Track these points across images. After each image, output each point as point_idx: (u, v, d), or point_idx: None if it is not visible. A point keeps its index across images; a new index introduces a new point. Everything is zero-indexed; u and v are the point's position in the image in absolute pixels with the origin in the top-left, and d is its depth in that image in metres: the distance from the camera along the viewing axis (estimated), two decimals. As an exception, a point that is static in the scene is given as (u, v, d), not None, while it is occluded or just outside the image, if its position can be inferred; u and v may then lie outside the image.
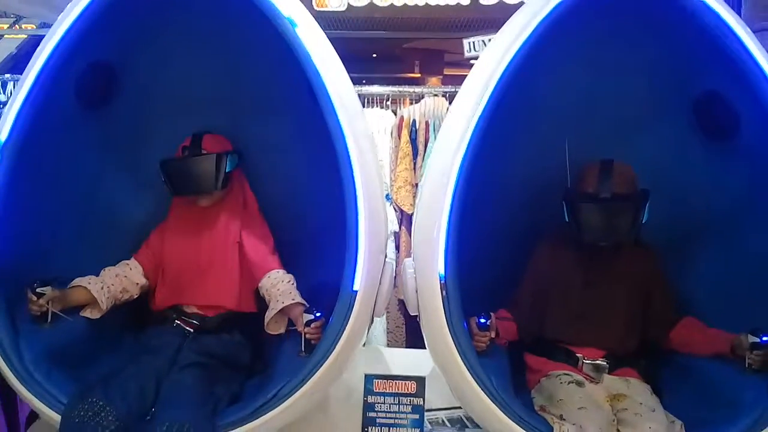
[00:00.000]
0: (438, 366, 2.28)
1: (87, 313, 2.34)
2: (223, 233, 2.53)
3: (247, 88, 2.64)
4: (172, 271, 2.52)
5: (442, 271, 2.10)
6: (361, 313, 2.13)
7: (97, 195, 2.59)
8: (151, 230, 2.59)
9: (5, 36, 5.60)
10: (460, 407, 2.47)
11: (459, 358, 2.07)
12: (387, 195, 3.72)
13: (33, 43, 4.96)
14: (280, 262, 2.53)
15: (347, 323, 2.10)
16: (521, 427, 2.03)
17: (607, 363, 2.33)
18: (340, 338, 2.09)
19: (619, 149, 2.45)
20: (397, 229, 3.77)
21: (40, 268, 2.27)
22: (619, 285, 2.41)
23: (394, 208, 3.73)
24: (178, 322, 2.45)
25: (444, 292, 2.09)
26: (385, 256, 2.35)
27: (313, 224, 2.66)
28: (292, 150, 2.68)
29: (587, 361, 2.33)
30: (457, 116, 2.20)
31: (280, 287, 2.41)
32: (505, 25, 2.26)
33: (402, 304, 3.78)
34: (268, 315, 2.37)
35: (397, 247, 3.71)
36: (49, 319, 2.21)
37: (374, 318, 3.00)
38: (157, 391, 2.15)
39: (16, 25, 5.02)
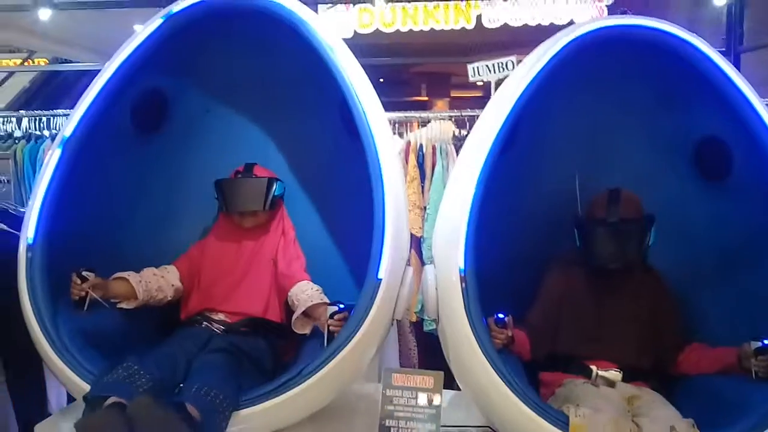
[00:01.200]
0: (455, 361, 2.33)
1: (124, 305, 2.47)
2: (260, 251, 2.70)
3: (285, 120, 2.90)
4: (207, 281, 2.66)
5: (462, 265, 2.20)
6: (384, 301, 2.23)
7: (140, 208, 2.77)
8: (189, 246, 2.75)
9: (18, 72, 5.72)
10: (473, 426, 2.47)
11: (477, 345, 2.13)
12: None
13: (46, 77, 5.07)
14: (309, 278, 2.65)
15: (371, 309, 2.19)
16: (538, 415, 2.06)
17: (621, 373, 2.38)
18: (363, 323, 2.18)
19: (623, 183, 2.60)
20: (407, 255, 3.78)
21: (87, 260, 2.38)
22: (630, 306, 2.51)
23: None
24: (206, 323, 2.56)
25: (464, 284, 2.19)
26: (408, 262, 2.48)
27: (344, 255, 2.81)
28: (325, 162, 2.89)
29: (601, 373, 2.39)
30: (484, 129, 2.38)
31: (308, 292, 2.53)
32: (520, 64, 2.50)
33: (414, 326, 3.77)
34: (295, 315, 2.48)
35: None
36: (86, 306, 2.31)
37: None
38: (187, 370, 2.24)
39: (29, 61, 5.13)
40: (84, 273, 2.30)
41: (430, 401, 2.17)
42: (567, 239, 2.58)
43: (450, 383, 2.53)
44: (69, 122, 2.40)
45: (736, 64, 4.01)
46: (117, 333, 2.40)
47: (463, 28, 4.46)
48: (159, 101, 2.74)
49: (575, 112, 2.71)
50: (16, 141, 4.25)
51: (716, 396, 2.30)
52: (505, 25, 4.32)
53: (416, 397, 2.18)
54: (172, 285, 2.60)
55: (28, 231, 2.28)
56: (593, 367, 2.39)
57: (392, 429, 2.16)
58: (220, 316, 2.58)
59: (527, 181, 2.72)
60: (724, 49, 4.01)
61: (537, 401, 2.10)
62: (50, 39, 4.06)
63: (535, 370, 2.49)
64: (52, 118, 4.09)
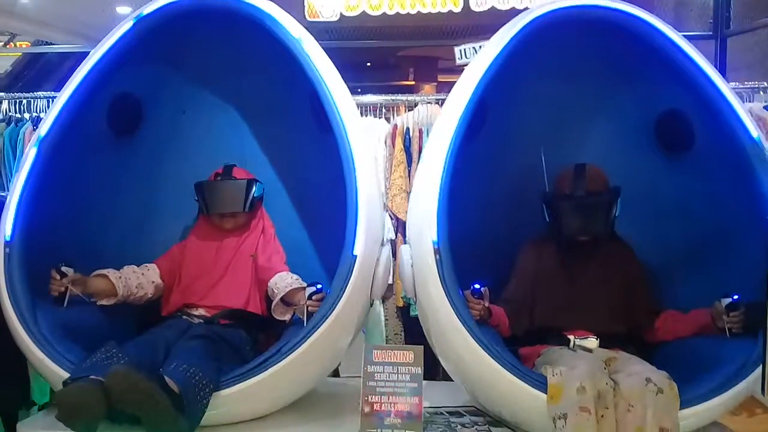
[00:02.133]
0: (433, 331, 2.37)
1: (104, 302, 2.48)
2: (240, 249, 2.73)
3: (259, 118, 2.96)
4: (188, 278, 2.68)
5: (435, 238, 2.26)
6: (360, 278, 2.27)
7: (117, 209, 2.80)
8: (168, 248, 2.78)
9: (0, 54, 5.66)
10: (458, 406, 2.49)
11: (453, 314, 2.18)
12: (382, 204, 3.72)
13: (28, 60, 5.01)
14: (289, 270, 2.69)
15: (347, 286, 2.23)
16: (517, 377, 2.11)
17: (598, 340, 2.42)
18: (340, 299, 2.22)
19: (590, 161, 2.65)
20: (394, 237, 3.76)
21: (62, 259, 2.39)
22: (602, 277, 2.57)
23: (390, 216, 3.73)
24: (185, 317, 2.58)
25: (438, 256, 2.24)
26: (382, 244, 2.51)
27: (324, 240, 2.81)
28: (298, 155, 2.93)
29: (578, 341, 2.42)
30: (455, 100, 2.44)
31: (287, 280, 2.57)
32: (486, 43, 2.56)
33: (400, 311, 3.77)
34: (275, 302, 2.52)
35: (394, 254, 3.70)
36: (66, 302, 2.33)
37: (372, 331, 3.15)
38: (165, 356, 2.24)
39: (11, 43, 5.08)
40: (63, 269, 2.32)
41: (411, 375, 2.19)
42: (537, 215, 2.63)
43: (434, 375, 2.56)
44: (44, 122, 2.44)
45: (723, 48, 4.03)
46: (97, 328, 2.41)
47: (450, 11, 4.44)
48: (134, 104, 2.79)
49: (540, 93, 2.78)
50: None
51: (693, 357, 2.34)
52: (493, 8, 4.32)
53: (397, 372, 2.20)
54: (153, 282, 2.63)
55: (6, 228, 2.30)
56: (571, 337, 2.44)
57: (375, 405, 2.18)
58: (200, 311, 2.60)
59: (497, 159, 2.78)
60: (711, 33, 4.02)
61: (515, 364, 2.15)
62: (31, 21, 4.01)
63: (516, 347, 2.50)
64: (32, 100, 4.04)
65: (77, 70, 2.49)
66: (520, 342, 2.53)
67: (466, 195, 2.48)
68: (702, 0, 4.42)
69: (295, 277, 2.60)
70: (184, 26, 2.59)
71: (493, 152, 2.74)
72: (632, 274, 2.60)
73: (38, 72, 5.41)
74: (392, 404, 2.18)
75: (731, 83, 3.12)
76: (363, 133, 2.56)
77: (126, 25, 2.51)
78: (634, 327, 2.54)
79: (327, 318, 2.20)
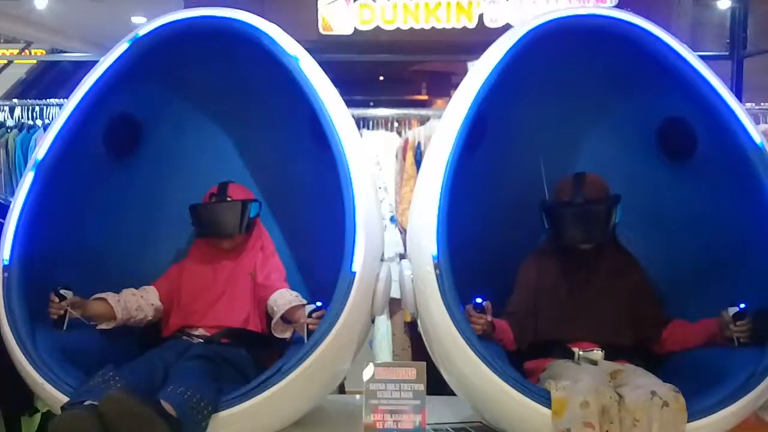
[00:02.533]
0: (436, 347, 2.35)
1: (103, 326, 2.46)
2: (238, 268, 2.71)
3: (258, 135, 2.93)
4: (187, 298, 2.66)
5: (435, 252, 2.24)
6: (360, 295, 2.24)
7: (117, 230, 2.77)
8: (167, 268, 2.76)
9: (15, 61, 5.69)
10: (464, 422, 2.47)
11: (455, 330, 2.16)
12: (392, 217, 3.71)
13: (42, 68, 5.04)
14: (289, 287, 2.66)
15: (346, 303, 2.20)
16: (520, 393, 2.09)
17: (603, 352, 2.41)
18: (339, 317, 2.19)
19: (592, 170, 2.64)
20: (403, 251, 3.74)
21: (62, 281, 2.38)
22: (605, 287, 2.55)
23: (400, 230, 3.72)
24: (185, 337, 2.56)
25: (438, 271, 2.22)
26: (382, 259, 2.49)
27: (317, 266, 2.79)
28: (297, 162, 2.88)
29: (583, 353, 2.41)
30: (447, 124, 2.42)
31: (287, 297, 2.55)
32: (479, 59, 2.53)
33: (408, 326, 3.74)
34: (275, 319, 2.49)
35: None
36: (65, 325, 2.31)
37: (378, 348, 3.28)
38: (164, 378, 2.22)
39: (26, 51, 5.10)
40: (62, 291, 2.30)
41: (414, 392, 2.15)
42: (540, 226, 2.62)
43: (440, 389, 2.53)
44: (41, 145, 2.43)
45: (740, 69, 4.00)
46: (97, 351, 2.40)
47: (464, 27, 4.44)
48: (131, 125, 2.77)
49: (540, 103, 2.76)
50: (9, 130, 4.23)
51: (700, 368, 2.32)
52: (507, 24, 4.30)
53: (400, 389, 2.15)
54: (152, 304, 2.60)
55: (4, 252, 2.29)
56: (575, 349, 2.42)
57: (378, 423, 2.14)
58: (200, 331, 2.58)
59: (498, 170, 2.76)
60: (727, 54, 3.99)
61: (519, 379, 2.13)
62: (46, 29, 4.04)
63: (521, 362, 2.49)
64: (45, 107, 4.07)
65: (74, 92, 2.48)
66: (525, 355, 2.51)
67: (467, 207, 2.45)
68: (719, 21, 4.40)
69: (295, 294, 2.58)
70: (180, 46, 2.57)
71: (493, 163, 2.73)
72: (636, 283, 2.57)
73: (52, 80, 5.43)
74: (395, 422, 2.14)
75: (747, 104, 3.10)
76: (361, 150, 2.53)
77: (122, 47, 2.49)
78: (640, 338, 2.51)
79: (326, 336, 2.17)
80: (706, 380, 2.21)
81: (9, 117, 4.27)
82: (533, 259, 2.64)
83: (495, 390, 2.12)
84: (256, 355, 2.54)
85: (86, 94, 2.46)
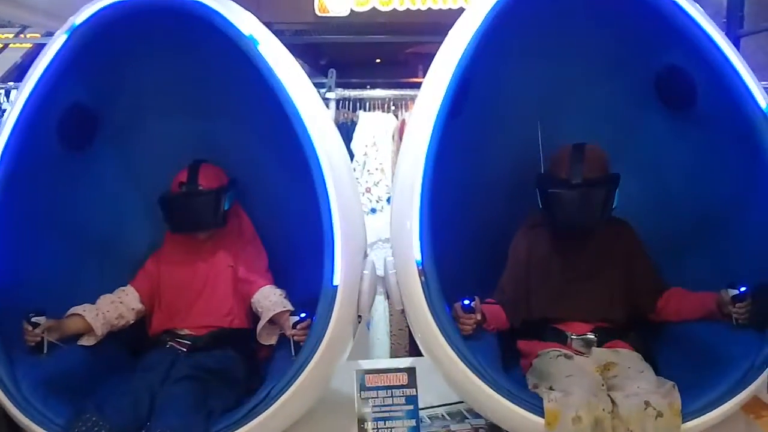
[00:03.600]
0: (427, 354, 2.30)
1: (84, 341, 2.39)
2: (217, 259, 2.60)
3: (219, 115, 2.74)
4: (168, 297, 2.58)
5: (419, 257, 2.14)
6: (344, 307, 2.16)
7: (88, 228, 2.66)
8: (146, 258, 2.66)
9: (10, 45, 5.64)
10: (459, 402, 2.47)
11: (443, 339, 2.10)
12: (389, 198, 3.74)
13: (37, 52, 5.00)
14: (272, 280, 2.59)
15: (330, 319, 2.12)
16: (513, 403, 2.06)
17: (596, 336, 2.37)
18: (324, 334, 2.12)
19: (587, 131, 2.55)
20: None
21: (35, 300, 2.30)
22: (598, 259, 2.48)
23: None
24: (171, 343, 2.49)
25: (423, 278, 2.13)
26: (366, 255, 2.40)
27: (296, 243, 2.71)
28: (268, 168, 2.77)
29: (575, 337, 2.38)
30: (423, 108, 2.26)
31: (272, 298, 2.46)
32: (459, 18, 2.35)
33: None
34: (260, 325, 2.42)
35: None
36: (45, 350, 2.25)
37: (375, 322, 3.26)
38: (151, 405, 2.17)
39: (21, 35, 5.06)
40: (34, 319, 2.22)
41: (406, 397, 2.16)
42: (531, 199, 2.52)
43: None
44: None
45: (736, 47, 3.96)
46: (83, 368, 2.34)
47: (461, 8, 4.41)
48: (85, 116, 2.58)
49: (530, 60, 2.61)
50: (5, 114, 4.21)
51: (697, 345, 2.29)
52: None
53: (392, 396, 2.16)
54: (133, 309, 2.53)
55: None
56: (568, 333, 2.39)
57: (371, 431, 2.15)
58: (186, 332, 2.52)
59: (485, 140, 2.64)
60: (724, 32, 3.97)
61: (509, 388, 2.08)
62: (39, 12, 4.00)
63: (514, 338, 2.49)
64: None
65: (19, 90, 2.33)
66: (519, 333, 2.49)
67: (455, 180, 2.37)
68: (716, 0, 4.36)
69: (279, 292, 2.49)
70: (126, 29, 2.37)
71: (479, 132, 2.59)
72: (631, 251, 2.51)
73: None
74: (389, 429, 2.16)
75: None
76: (333, 136, 2.38)
77: (60, 39, 2.31)
78: (635, 309, 2.46)
79: (314, 355, 2.11)
80: (703, 361, 2.19)
81: (5, 100, 4.26)
82: (523, 234, 2.56)
83: (486, 399, 2.10)
84: (244, 352, 2.50)
85: (31, 93, 2.29)
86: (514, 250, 2.55)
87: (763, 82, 2.32)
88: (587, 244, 2.48)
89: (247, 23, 2.28)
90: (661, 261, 2.57)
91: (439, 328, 2.11)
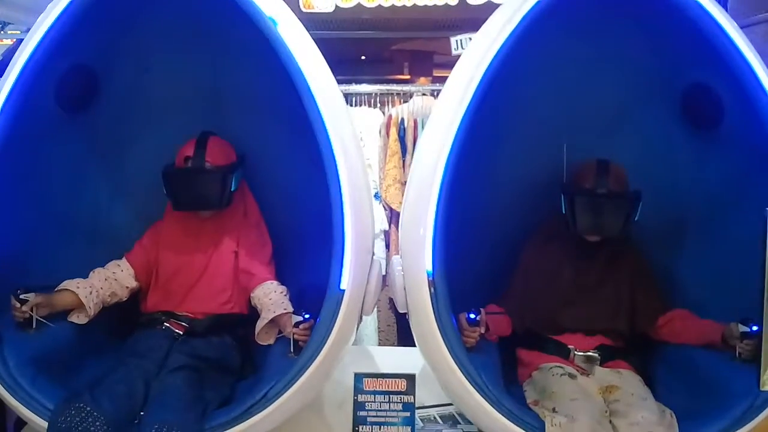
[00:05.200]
0: (428, 363, 2.28)
1: (74, 318, 2.31)
2: (220, 242, 2.50)
3: (230, 88, 2.62)
4: (166, 276, 2.49)
5: (430, 268, 2.09)
6: (350, 311, 2.12)
7: (81, 199, 2.56)
8: (142, 231, 2.56)
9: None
10: (451, 404, 2.46)
11: (448, 354, 2.07)
12: (376, 194, 3.72)
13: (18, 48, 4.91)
14: (274, 273, 2.51)
15: (335, 322, 2.08)
16: (513, 423, 2.03)
17: (599, 354, 2.36)
18: (328, 338, 2.08)
19: (607, 144, 2.52)
20: (387, 228, 3.77)
21: (24, 274, 2.25)
22: (606, 275, 2.48)
23: (384, 207, 3.73)
24: (167, 324, 2.41)
25: (432, 289, 2.09)
26: (373, 254, 2.35)
27: (303, 227, 2.64)
28: (279, 150, 2.66)
29: (579, 353, 2.37)
30: (442, 114, 2.20)
31: (272, 297, 2.38)
32: (485, 23, 2.29)
33: (393, 302, 3.80)
34: (259, 325, 2.34)
35: (387, 246, 3.71)
36: (33, 325, 2.19)
37: (364, 317, 2.98)
38: (146, 394, 2.12)
39: (2, 31, 4.98)
40: (22, 296, 2.14)
41: (403, 404, 2.14)
42: (546, 207, 2.50)
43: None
44: None
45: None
46: (72, 345, 2.28)
47: (446, 4, 4.36)
48: (86, 76, 2.44)
49: (555, 70, 2.55)
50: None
51: (699, 374, 2.27)
52: (489, 1, 4.26)
53: (389, 401, 2.14)
54: (126, 287, 2.44)
55: None
56: (571, 347, 2.38)
57: (367, 435, 2.13)
58: (183, 312, 2.45)
59: (503, 147, 2.59)
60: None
61: (510, 407, 2.06)
62: (19, 8, 3.93)
63: (514, 346, 2.48)
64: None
65: (19, 49, 2.19)
66: (519, 340, 2.48)
67: (471, 181, 2.32)
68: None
69: (280, 290, 2.41)
70: None
71: (499, 139, 2.54)
72: (636, 270, 2.51)
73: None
74: (385, 434, 2.13)
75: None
76: (348, 129, 2.29)
77: None
78: (637, 325, 2.46)
79: (315, 357, 2.07)
80: (703, 392, 2.18)
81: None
82: (536, 242, 2.55)
83: (485, 416, 2.07)
84: (241, 339, 2.45)
85: (35, 49, 2.17)
86: (525, 258, 2.55)
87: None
88: (596, 257, 2.48)
89: (269, 3, 2.17)
90: (675, 281, 2.56)
91: (444, 341, 2.08)
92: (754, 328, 2.11)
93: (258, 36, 2.15)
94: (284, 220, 2.66)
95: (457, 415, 2.44)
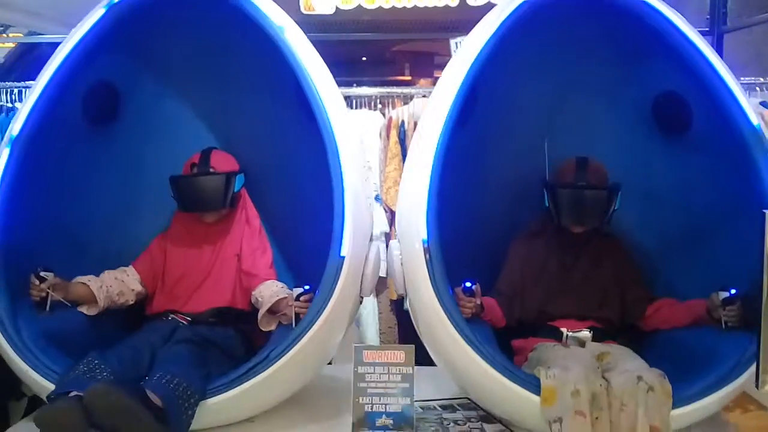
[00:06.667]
0: (425, 334, 2.34)
1: (84, 309, 2.40)
2: (224, 246, 2.63)
3: (242, 102, 2.83)
4: (172, 280, 2.59)
5: (425, 236, 2.21)
6: (349, 279, 2.22)
7: (98, 200, 2.71)
8: (151, 239, 2.69)
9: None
10: (452, 398, 2.48)
11: (444, 315, 2.15)
12: (377, 196, 3.72)
13: (21, 51, 4.95)
14: (276, 275, 2.61)
15: (336, 287, 2.17)
16: (509, 379, 2.09)
17: (590, 332, 2.44)
18: (328, 302, 2.16)
19: (587, 147, 2.64)
20: (388, 230, 3.75)
21: (42, 262, 2.33)
22: (593, 266, 2.59)
23: (384, 209, 3.73)
24: (173, 316, 2.51)
25: (428, 256, 2.19)
26: (371, 238, 2.48)
27: (304, 238, 2.74)
28: (281, 161, 2.83)
29: (571, 334, 2.44)
30: (438, 100, 2.37)
31: (273, 289, 2.48)
32: (472, 31, 2.48)
33: (395, 304, 3.78)
34: (261, 311, 2.43)
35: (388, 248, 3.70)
36: (48, 307, 2.27)
37: (366, 320, 3.28)
38: (151, 363, 2.19)
39: (3, 34, 5.01)
40: (42, 273, 2.25)
41: (402, 375, 2.18)
42: (532, 204, 2.62)
43: (427, 360, 2.56)
44: (16, 120, 2.34)
45: (720, 44, 4.01)
46: (81, 333, 2.36)
47: (446, 6, 4.41)
48: (110, 92, 2.68)
49: (536, 76, 2.73)
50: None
51: (686, 349, 2.33)
52: (489, 2, 4.29)
53: (389, 372, 2.18)
54: (133, 290, 2.55)
55: None
56: (564, 329, 2.45)
57: (366, 407, 2.16)
58: (187, 312, 2.53)
59: (490, 147, 2.73)
60: (707, 29, 4.00)
61: (508, 366, 2.13)
62: (22, 11, 3.96)
63: (509, 339, 2.53)
64: (24, 90, 4.00)
65: (47, 63, 2.40)
66: (513, 332, 2.54)
67: (458, 185, 2.45)
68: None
69: (281, 285, 2.52)
70: (158, 11, 2.50)
71: (486, 139, 2.70)
72: (621, 264, 2.61)
73: (30, 65, 5.33)
74: (384, 405, 2.17)
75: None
76: (349, 125, 2.48)
77: (98, 13, 2.41)
78: (626, 316, 2.54)
79: (315, 322, 2.15)
80: (693, 363, 2.23)
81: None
82: (523, 238, 2.66)
83: (483, 376, 2.13)
84: (244, 333, 2.52)
85: (62, 63, 2.39)
86: (513, 253, 2.65)
87: (747, 78, 2.34)
88: (582, 251, 2.59)
89: (275, 11, 2.42)
90: (653, 277, 2.65)
91: (441, 306, 2.16)
92: (733, 291, 2.22)
93: (265, 50, 2.40)
94: (286, 229, 2.80)
95: (456, 405, 2.45)
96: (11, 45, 5.69)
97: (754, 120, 2.31)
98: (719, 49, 3.91)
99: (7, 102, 4.13)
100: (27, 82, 3.98)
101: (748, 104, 2.33)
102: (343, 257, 2.20)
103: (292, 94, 2.57)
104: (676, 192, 2.70)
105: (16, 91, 3.98)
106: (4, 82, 3.90)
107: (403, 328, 3.64)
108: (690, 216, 2.65)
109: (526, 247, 2.64)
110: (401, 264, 2.36)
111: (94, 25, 2.41)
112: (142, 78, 2.75)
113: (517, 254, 2.64)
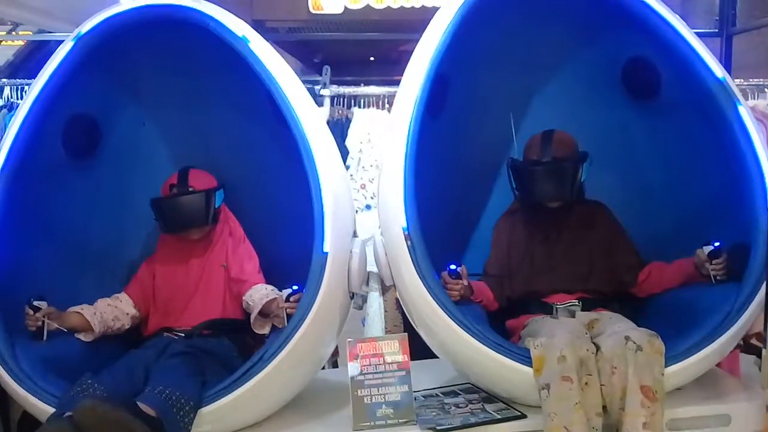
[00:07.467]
0: (416, 318, 2.36)
1: (81, 336, 2.42)
2: (210, 260, 2.65)
3: (218, 120, 2.86)
4: (163, 300, 2.62)
5: (405, 224, 2.24)
6: (334, 275, 2.24)
7: (88, 231, 2.72)
8: (141, 264, 2.71)
9: (2, 43, 5.64)
10: (453, 384, 2.49)
11: (430, 298, 2.17)
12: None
13: (30, 49, 4.99)
14: (264, 280, 2.62)
15: (322, 283, 2.19)
16: (500, 354, 2.11)
17: (580, 303, 2.45)
18: (315, 298, 2.18)
19: (565, 121, 2.67)
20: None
21: (37, 292, 2.34)
22: (576, 238, 2.58)
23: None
24: (167, 334, 2.53)
25: (409, 243, 2.22)
26: (355, 234, 2.50)
27: (286, 249, 2.74)
28: (261, 176, 2.86)
29: (560, 306, 2.45)
30: (405, 88, 2.42)
31: (263, 292, 2.49)
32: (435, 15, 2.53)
33: (399, 303, 3.78)
34: (253, 314, 2.44)
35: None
36: (44, 336, 2.29)
37: (369, 317, 3.27)
38: (145, 378, 2.19)
39: (13, 32, 5.06)
40: (35, 303, 2.27)
41: (398, 363, 2.19)
42: (507, 184, 2.64)
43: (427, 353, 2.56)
44: None
45: (729, 46, 3.99)
46: (81, 359, 2.37)
47: (454, 6, 4.41)
48: (89, 124, 2.69)
49: (502, 56, 2.75)
50: (-1, 109, 4.22)
51: (680, 308, 2.35)
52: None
53: (384, 362, 2.20)
54: (128, 314, 2.57)
55: None
56: (553, 303, 2.46)
57: (365, 398, 2.17)
58: (180, 328, 2.55)
59: (464, 134, 2.76)
60: (716, 31, 3.98)
61: (498, 341, 2.14)
62: (31, 10, 3.99)
63: (503, 320, 2.54)
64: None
65: (24, 98, 2.42)
66: (506, 314, 2.54)
67: (435, 172, 2.47)
68: (708, -3, 4.39)
69: (271, 287, 2.53)
70: (127, 38, 2.51)
71: (460, 126, 2.73)
72: (608, 231, 2.61)
73: (39, 63, 5.38)
74: (383, 395, 2.18)
75: (736, 80, 3.10)
76: (323, 127, 2.52)
77: (66, 46, 2.43)
78: (617, 284, 2.54)
79: (305, 319, 2.17)
80: (685, 321, 2.23)
81: (-1, 96, 4.27)
82: (504, 219, 2.68)
83: (476, 353, 2.14)
84: (239, 342, 2.52)
85: (36, 99, 2.39)
86: (495, 236, 2.66)
87: (756, 80, 2.36)
88: (564, 225, 2.59)
89: (238, 25, 2.45)
90: (638, 240, 2.65)
91: (427, 289, 2.18)
92: (717, 244, 2.24)
93: (232, 63, 2.43)
94: (268, 238, 2.80)
95: (458, 390, 2.45)
96: (21, 43, 5.75)
97: (719, 73, 2.35)
98: (728, 51, 3.90)
99: (17, 99, 4.18)
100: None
101: (712, 58, 2.38)
102: (326, 253, 2.22)
103: (264, 104, 2.58)
104: (655, 154, 2.73)
105: (26, 88, 4.02)
106: (15, 77, 3.94)
107: (409, 325, 3.68)
108: (670, 177, 2.68)
109: (509, 227, 2.64)
110: (386, 255, 2.38)
111: (64, 59, 2.42)
112: (119, 107, 2.77)
113: (500, 235, 2.65)
